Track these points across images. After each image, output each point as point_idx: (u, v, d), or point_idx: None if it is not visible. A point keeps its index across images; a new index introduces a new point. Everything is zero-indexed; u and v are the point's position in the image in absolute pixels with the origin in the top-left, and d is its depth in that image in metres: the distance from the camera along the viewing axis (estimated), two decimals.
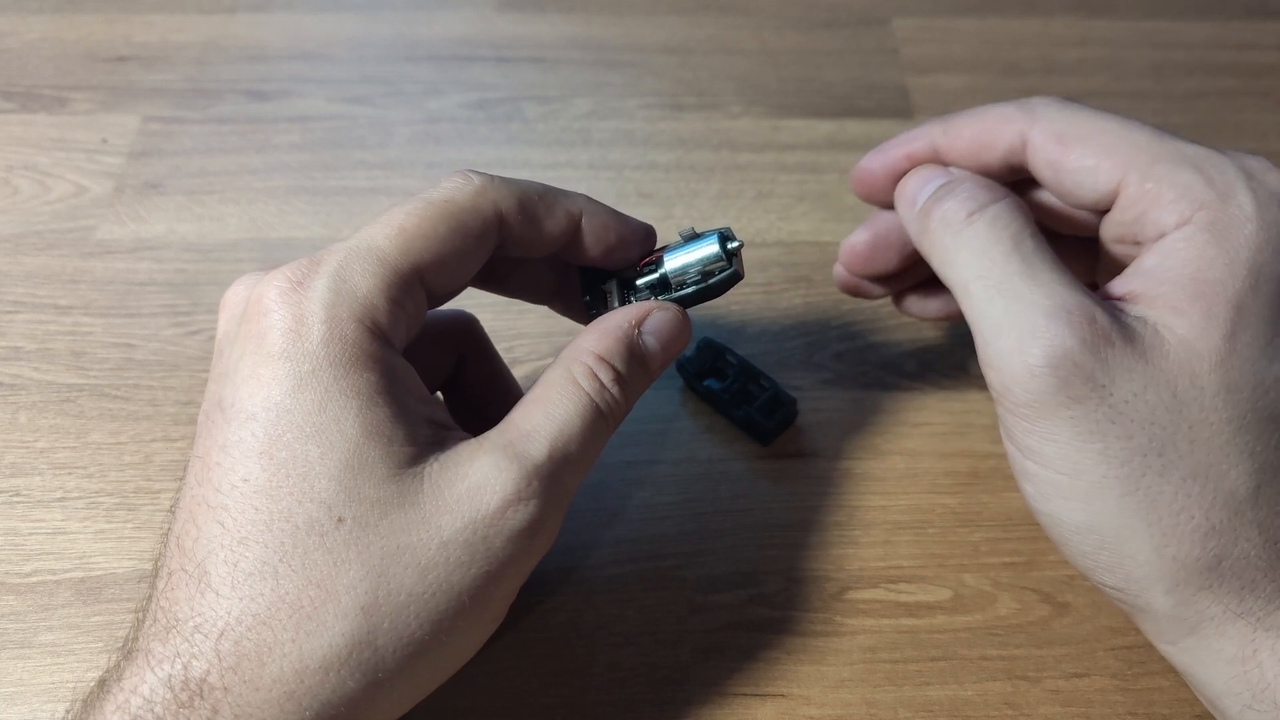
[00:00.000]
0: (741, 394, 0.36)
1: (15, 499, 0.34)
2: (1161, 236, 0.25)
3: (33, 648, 0.31)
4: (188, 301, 0.40)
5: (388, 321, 0.24)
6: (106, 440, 0.36)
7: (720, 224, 0.43)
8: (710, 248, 0.28)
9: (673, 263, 0.29)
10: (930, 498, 0.35)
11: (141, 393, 0.37)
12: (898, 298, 0.35)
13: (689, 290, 0.28)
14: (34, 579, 0.32)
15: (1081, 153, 0.27)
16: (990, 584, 0.33)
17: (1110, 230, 0.27)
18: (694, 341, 0.37)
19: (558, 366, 0.26)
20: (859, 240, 0.33)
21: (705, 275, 0.28)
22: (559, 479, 0.25)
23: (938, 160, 0.31)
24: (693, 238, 0.29)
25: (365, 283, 0.24)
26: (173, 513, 0.25)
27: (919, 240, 0.29)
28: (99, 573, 0.33)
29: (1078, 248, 0.30)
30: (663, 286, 0.29)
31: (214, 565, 0.23)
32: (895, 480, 0.35)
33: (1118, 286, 0.26)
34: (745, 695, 0.30)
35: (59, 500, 0.34)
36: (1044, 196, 0.30)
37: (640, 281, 0.29)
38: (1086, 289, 0.25)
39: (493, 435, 0.25)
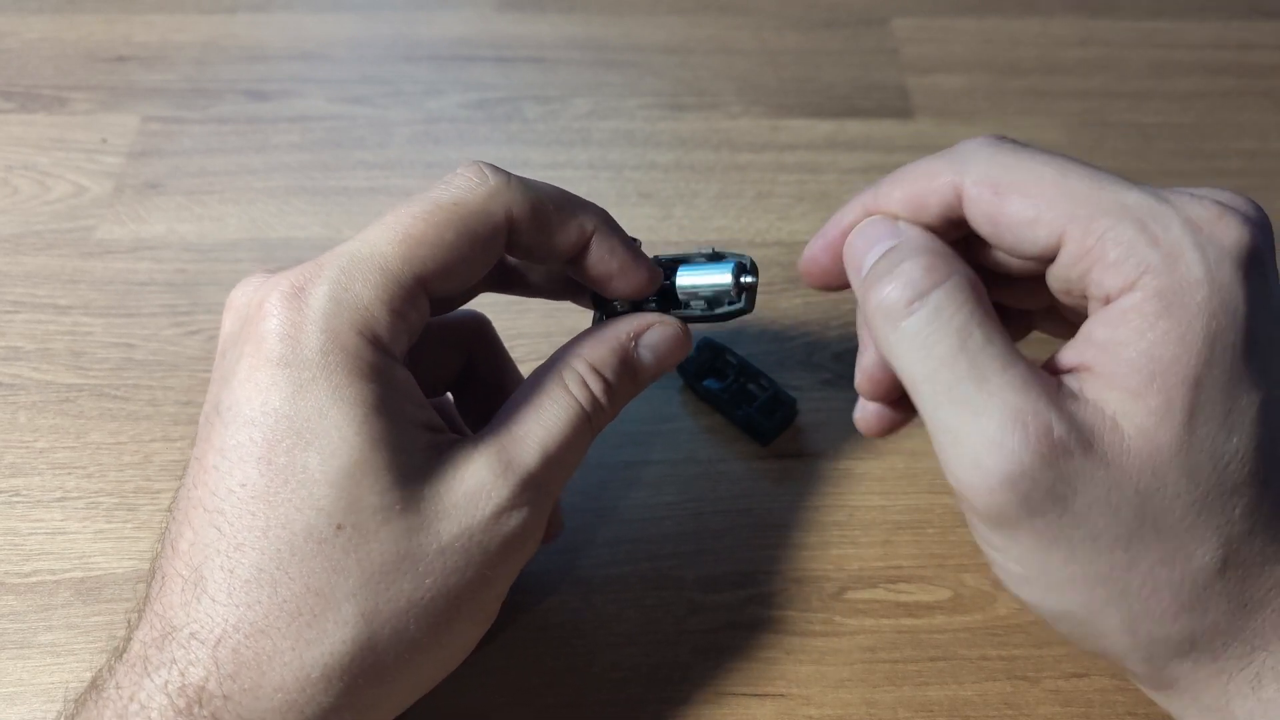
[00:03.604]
0: (741, 394, 0.36)
1: (15, 499, 0.34)
2: (1108, 299, 0.24)
3: (33, 648, 0.31)
4: (187, 301, 0.40)
5: (388, 333, 0.24)
6: (106, 440, 0.36)
7: (719, 223, 0.43)
8: (723, 277, 0.27)
9: (684, 280, 0.28)
10: (930, 498, 0.35)
11: (141, 393, 0.37)
12: None
13: (693, 312, 0.28)
14: (34, 579, 0.32)
15: (1019, 204, 0.24)
16: (990, 584, 0.33)
17: (1056, 281, 0.26)
18: (694, 341, 0.37)
19: (551, 370, 0.26)
20: (867, 362, 0.28)
21: (712, 303, 0.28)
22: (548, 486, 0.25)
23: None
24: (715, 258, 0.28)
25: (367, 293, 0.24)
26: (170, 513, 0.24)
27: (864, 320, 0.27)
28: (99, 573, 0.33)
29: (1034, 285, 0.28)
30: (671, 299, 0.28)
31: (210, 571, 0.23)
32: (895, 480, 0.35)
33: (1068, 356, 0.24)
34: (745, 695, 0.30)
35: (59, 500, 0.34)
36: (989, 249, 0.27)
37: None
38: (1042, 384, 0.23)
39: (486, 438, 0.25)
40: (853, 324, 0.39)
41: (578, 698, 0.30)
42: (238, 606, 0.22)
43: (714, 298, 0.28)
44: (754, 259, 0.28)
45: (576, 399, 0.26)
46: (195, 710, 0.22)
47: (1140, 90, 0.49)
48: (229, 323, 0.25)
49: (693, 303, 0.28)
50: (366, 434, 0.23)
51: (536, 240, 0.26)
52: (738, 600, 0.32)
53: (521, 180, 0.26)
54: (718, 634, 0.32)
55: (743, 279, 0.28)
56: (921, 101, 0.48)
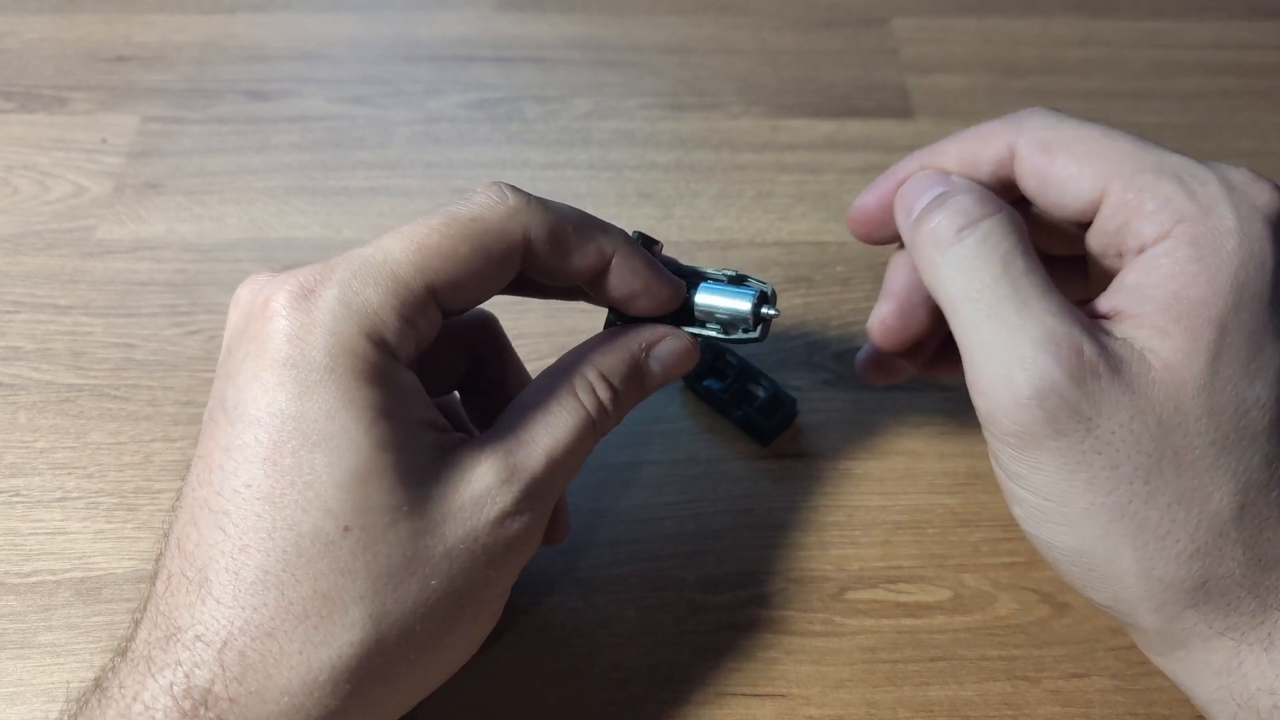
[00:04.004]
0: (741, 394, 0.36)
1: (15, 499, 0.34)
2: (1143, 249, 0.25)
3: (33, 648, 0.31)
4: (187, 301, 0.40)
5: (397, 340, 0.24)
6: (106, 440, 0.36)
7: (719, 223, 0.43)
8: (743, 304, 0.27)
9: (703, 299, 0.28)
10: (930, 498, 0.35)
11: (141, 393, 0.37)
12: (930, 365, 0.33)
13: (707, 331, 0.28)
14: (34, 579, 0.32)
15: (1065, 160, 0.26)
16: (990, 584, 0.33)
17: (1095, 242, 0.27)
18: None
19: (562, 376, 0.26)
20: (885, 312, 0.31)
21: (727, 327, 0.28)
22: (551, 491, 0.25)
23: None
24: (738, 281, 0.28)
25: (376, 298, 0.23)
26: (174, 512, 0.24)
27: (911, 253, 0.28)
28: (99, 573, 0.33)
29: (1068, 267, 0.30)
30: (687, 314, 0.28)
31: (215, 572, 0.23)
32: (895, 480, 0.35)
33: (1102, 303, 0.26)
34: (745, 695, 0.30)
35: (59, 500, 0.34)
36: (1032, 215, 0.29)
37: None
38: (1076, 314, 0.24)
39: (492, 441, 0.25)
40: (853, 324, 0.40)
41: (578, 698, 0.30)
42: (243, 609, 0.22)
43: (730, 322, 0.28)
44: (775, 289, 0.28)
45: (585, 407, 0.26)
46: (201, 713, 0.22)
47: (1140, 90, 0.49)
48: (235, 319, 0.25)
49: (708, 323, 0.28)
50: (374, 437, 0.23)
51: (554, 262, 0.26)
52: (738, 600, 0.32)
53: (541, 202, 0.26)
54: (718, 634, 0.32)
55: (763, 310, 0.27)
56: (921, 101, 0.48)
